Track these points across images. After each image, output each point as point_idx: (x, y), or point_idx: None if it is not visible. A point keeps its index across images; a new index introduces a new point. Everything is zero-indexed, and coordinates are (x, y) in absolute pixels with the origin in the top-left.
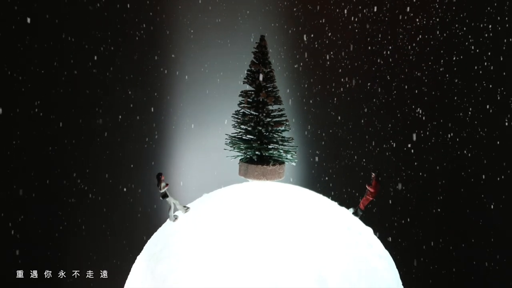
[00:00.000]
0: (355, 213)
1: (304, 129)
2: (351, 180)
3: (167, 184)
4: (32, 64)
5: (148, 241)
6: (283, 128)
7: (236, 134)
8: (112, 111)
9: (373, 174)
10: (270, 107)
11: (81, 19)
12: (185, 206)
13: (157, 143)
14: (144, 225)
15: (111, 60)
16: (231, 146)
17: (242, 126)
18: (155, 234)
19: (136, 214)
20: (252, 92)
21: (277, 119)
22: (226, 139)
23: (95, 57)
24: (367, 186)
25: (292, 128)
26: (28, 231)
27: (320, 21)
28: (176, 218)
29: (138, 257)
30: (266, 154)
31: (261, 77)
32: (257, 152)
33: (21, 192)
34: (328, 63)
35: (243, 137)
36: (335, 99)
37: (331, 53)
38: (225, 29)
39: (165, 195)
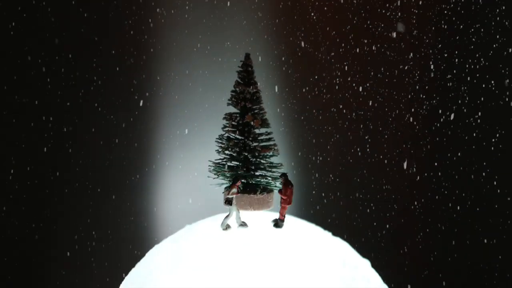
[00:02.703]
0: (276, 225)
1: (298, 151)
2: (346, 206)
3: (238, 192)
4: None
5: (125, 278)
6: (271, 153)
7: (220, 160)
8: (96, 133)
9: (281, 178)
10: (257, 131)
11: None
12: (243, 222)
13: (141, 167)
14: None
15: (93, 78)
16: (215, 174)
17: (227, 152)
18: (132, 271)
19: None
20: (237, 115)
21: (264, 143)
22: (209, 165)
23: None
24: (279, 194)
25: (283, 151)
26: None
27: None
28: (228, 227)
29: None
30: (253, 181)
31: (246, 98)
32: (243, 180)
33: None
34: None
35: (228, 164)
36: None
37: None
38: (213, 46)
39: (229, 202)
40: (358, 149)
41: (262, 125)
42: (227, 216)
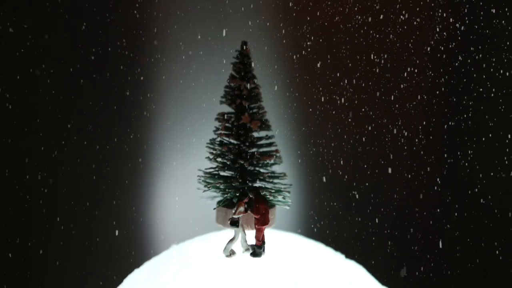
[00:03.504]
0: (253, 254)
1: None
2: (358, 217)
3: (245, 211)
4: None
5: None
6: (272, 161)
7: (212, 170)
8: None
9: (250, 195)
10: (255, 134)
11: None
12: (251, 247)
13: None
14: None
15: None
16: (205, 185)
17: (219, 159)
18: None
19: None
20: (232, 115)
21: (264, 149)
22: (198, 176)
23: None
24: (252, 213)
25: (285, 157)
26: None
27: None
28: (232, 254)
29: None
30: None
31: (242, 95)
32: (237, 194)
33: None
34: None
35: (221, 173)
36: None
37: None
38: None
39: (235, 223)
40: (371, 162)
41: (262, 127)
42: (231, 240)
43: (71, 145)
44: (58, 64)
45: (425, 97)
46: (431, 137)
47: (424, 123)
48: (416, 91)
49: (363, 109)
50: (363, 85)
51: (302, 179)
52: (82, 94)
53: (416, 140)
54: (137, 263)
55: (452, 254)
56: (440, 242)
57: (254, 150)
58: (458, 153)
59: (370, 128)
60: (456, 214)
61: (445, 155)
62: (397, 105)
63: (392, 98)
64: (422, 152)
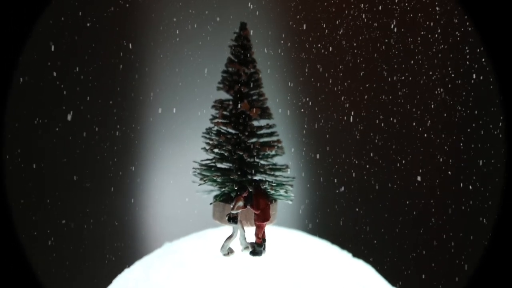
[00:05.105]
0: (253, 253)
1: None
2: (366, 214)
3: (245, 206)
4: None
5: None
6: (273, 152)
7: (208, 161)
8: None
9: (249, 189)
10: (255, 123)
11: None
12: (250, 246)
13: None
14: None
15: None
16: (201, 178)
17: (216, 150)
18: None
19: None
20: (230, 102)
21: (265, 139)
22: (193, 168)
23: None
24: (251, 208)
25: (288, 149)
26: None
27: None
28: (230, 252)
29: None
30: (250, 189)
31: (241, 81)
32: (236, 188)
33: None
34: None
35: (218, 165)
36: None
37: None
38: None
39: (233, 219)
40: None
41: (262, 115)
42: (229, 238)
43: (63, 140)
44: (51, 60)
45: (436, 94)
46: (443, 135)
47: (434, 123)
48: (425, 87)
49: (372, 108)
50: (370, 84)
51: (306, 172)
52: (74, 88)
53: (426, 140)
54: (128, 262)
55: (462, 255)
56: (452, 242)
57: (254, 140)
58: (469, 146)
59: (379, 127)
60: (466, 215)
61: (457, 155)
62: (405, 102)
63: (403, 93)
64: (433, 152)
